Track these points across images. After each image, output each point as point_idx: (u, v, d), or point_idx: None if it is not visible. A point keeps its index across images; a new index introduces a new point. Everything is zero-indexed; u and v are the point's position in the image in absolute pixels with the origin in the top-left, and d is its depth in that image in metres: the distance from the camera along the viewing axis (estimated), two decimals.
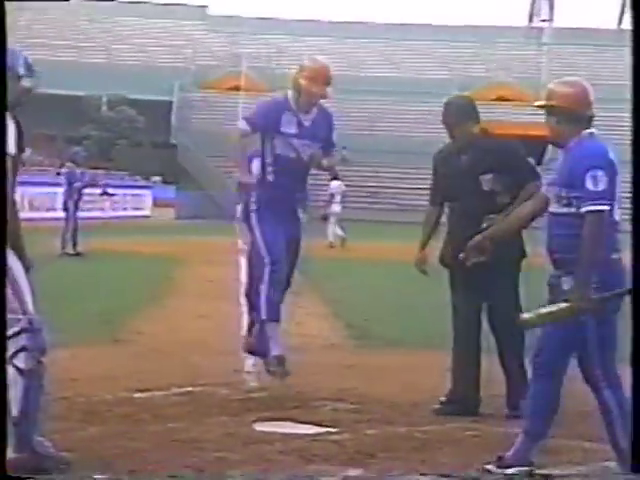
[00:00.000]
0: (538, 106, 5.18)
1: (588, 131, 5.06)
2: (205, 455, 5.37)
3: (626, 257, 4.86)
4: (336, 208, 25.78)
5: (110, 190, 35.09)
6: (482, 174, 6.47)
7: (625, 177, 4.84)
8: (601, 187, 4.86)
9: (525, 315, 5.14)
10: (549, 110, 5.11)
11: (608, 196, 4.88)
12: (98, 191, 25.30)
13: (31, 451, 4.97)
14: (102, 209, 35.78)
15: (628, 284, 4.95)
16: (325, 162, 7.08)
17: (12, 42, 4.81)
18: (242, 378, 7.57)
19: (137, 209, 42.81)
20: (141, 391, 6.95)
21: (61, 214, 20.14)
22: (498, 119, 55.42)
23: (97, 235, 20.20)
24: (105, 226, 29.42)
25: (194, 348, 8.80)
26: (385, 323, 10.83)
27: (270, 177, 6.93)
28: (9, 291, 5.00)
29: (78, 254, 18.90)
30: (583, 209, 4.87)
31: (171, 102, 56.94)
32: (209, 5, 67.54)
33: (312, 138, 6.95)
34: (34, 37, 55.41)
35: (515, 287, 6.57)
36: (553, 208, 5.08)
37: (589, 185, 4.86)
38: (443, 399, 6.59)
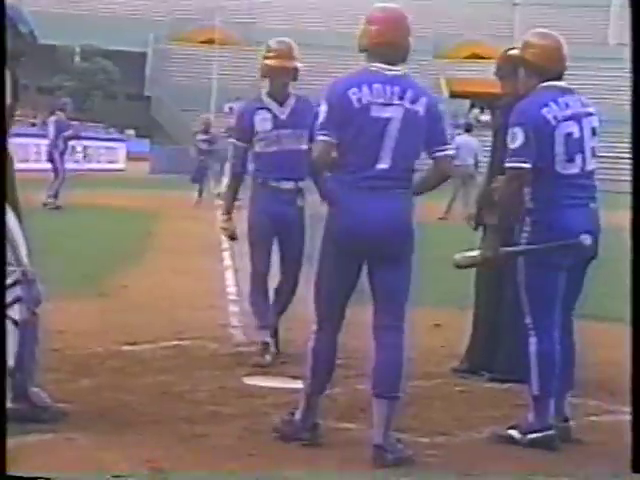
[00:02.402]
0: (511, 56, 5.39)
1: (545, 84, 5.12)
2: (198, 408, 5.43)
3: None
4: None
5: (84, 142, 34.89)
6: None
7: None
8: (517, 144, 4.96)
9: (458, 255, 5.40)
10: (521, 62, 5.20)
11: (526, 153, 4.96)
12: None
13: (28, 402, 5.02)
14: (76, 161, 35.57)
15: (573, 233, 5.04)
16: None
17: None
18: (229, 332, 7.63)
19: (111, 162, 42.56)
20: (130, 344, 7.00)
21: (34, 165, 19.99)
22: (471, 77, 55.72)
23: (73, 188, 20.06)
24: (80, 178, 29.24)
25: (179, 302, 8.84)
26: None
27: (257, 176, 6.87)
28: None
29: (57, 207, 18.80)
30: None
31: (145, 54, 56.59)
32: None
33: (293, 127, 6.74)
34: None
35: None
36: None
37: (509, 142, 5.01)
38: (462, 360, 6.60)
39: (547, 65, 5.13)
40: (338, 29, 58.68)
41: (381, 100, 4.73)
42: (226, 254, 12.50)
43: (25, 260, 5.09)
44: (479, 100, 51.78)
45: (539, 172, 5.00)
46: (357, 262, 4.81)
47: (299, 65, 6.92)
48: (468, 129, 21.61)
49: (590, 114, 5.20)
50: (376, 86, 4.74)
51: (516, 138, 4.98)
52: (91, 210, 18.93)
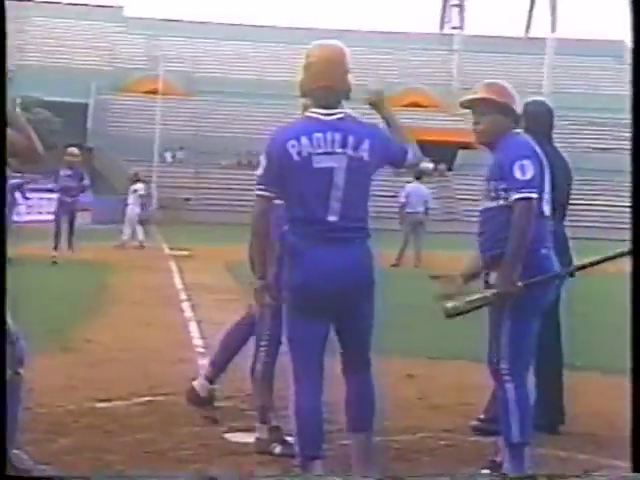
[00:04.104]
0: (470, 100, 5.16)
1: (516, 130, 5.13)
2: (184, 467, 5.29)
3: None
4: (137, 209, 26.83)
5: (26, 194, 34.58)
6: None
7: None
8: (529, 176, 4.87)
9: (450, 303, 5.07)
10: (481, 108, 5.12)
11: (536, 185, 4.90)
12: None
13: (9, 465, 4.84)
14: (18, 213, 35.09)
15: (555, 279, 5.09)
16: None
17: None
18: None
19: (52, 213, 42.02)
20: (102, 401, 6.83)
21: None
22: (411, 125, 56.01)
23: (16, 240, 19.67)
24: (22, 230, 28.82)
25: (147, 356, 8.68)
26: None
27: None
28: None
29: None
30: (512, 197, 4.87)
31: (87, 104, 56.34)
32: (125, 6, 67.13)
33: None
34: None
35: None
36: (483, 205, 5.11)
37: (517, 174, 4.87)
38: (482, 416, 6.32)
39: (510, 106, 5.10)
40: (279, 78, 58.94)
41: (322, 150, 4.64)
42: (186, 305, 12.39)
43: (8, 318, 4.95)
44: (419, 148, 52.12)
45: None
46: (323, 314, 4.74)
47: None
48: (418, 177, 21.74)
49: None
50: (317, 135, 4.64)
51: (527, 170, 4.91)
52: (41, 263, 18.60)
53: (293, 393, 4.86)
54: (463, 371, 8.09)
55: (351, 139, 4.68)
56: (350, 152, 4.67)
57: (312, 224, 4.65)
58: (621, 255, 4.96)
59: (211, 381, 6.67)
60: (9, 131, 4.81)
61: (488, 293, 4.99)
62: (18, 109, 53.56)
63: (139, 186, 27.40)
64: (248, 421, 6.28)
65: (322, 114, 4.71)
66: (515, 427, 5.00)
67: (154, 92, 53.40)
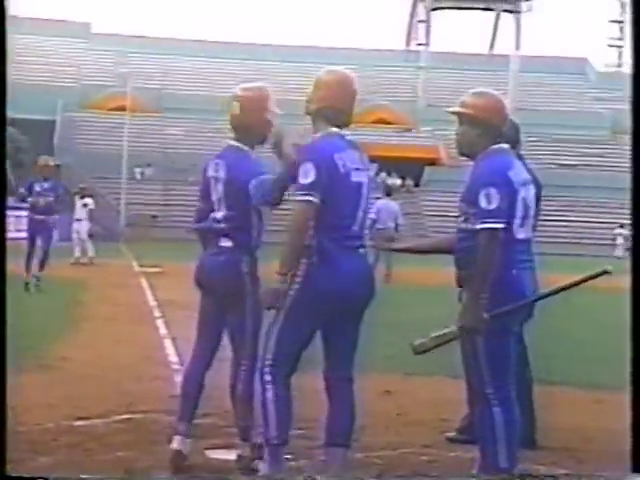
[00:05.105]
0: (451, 112, 5.13)
1: (497, 146, 5.05)
2: None
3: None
4: (87, 225, 27.16)
5: None
6: None
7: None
8: (493, 205, 4.82)
9: (417, 341, 5.06)
10: (462, 119, 5.09)
11: (502, 214, 4.84)
12: None
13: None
14: None
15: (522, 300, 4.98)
16: None
17: None
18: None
19: (19, 231, 41.80)
20: (81, 419, 6.81)
21: None
22: (377, 142, 56.30)
23: None
24: None
25: (124, 373, 8.67)
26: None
27: None
28: None
29: None
30: (477, 227, 4.86)
31: (54, 121, 56.10)
32: (92, 23, 66.95)
33: None
34: None
35: None
36: (457, 223, 5.11)
37: (482, 203, 4.84)
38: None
39: (492, 121, 5.06)
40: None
41: (355, 166, 5.03)
42: (160, 322, 12.39)
43: None
44: (386, 164, 52.42)
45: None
46: (328, 317, 5.05)
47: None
48: (388, 193, 21.88)
49: (532, 181, 5.23)
50: (350, 152, 5.03)
51: (493, 199, 4.85)
52: (12, 280, 18.42)
53: (267, 382, 5.19)
54: (440, 387, 8.14)
55: (365, 158, 5.17)
56: (368, 170, 5.16)
57: (341, 232, 4.99)
58: (591, 278, 5.01)
59: (188, 435, 6.02)
60: None
61: (455, 327, 4.92)
62: None
63: (89, 200, 27.41)
64: (228, 438, 6.30)
65: (343, 134, 5.09)
66: (502, 453, 4.96)
67: (122, 109, 53.30)
